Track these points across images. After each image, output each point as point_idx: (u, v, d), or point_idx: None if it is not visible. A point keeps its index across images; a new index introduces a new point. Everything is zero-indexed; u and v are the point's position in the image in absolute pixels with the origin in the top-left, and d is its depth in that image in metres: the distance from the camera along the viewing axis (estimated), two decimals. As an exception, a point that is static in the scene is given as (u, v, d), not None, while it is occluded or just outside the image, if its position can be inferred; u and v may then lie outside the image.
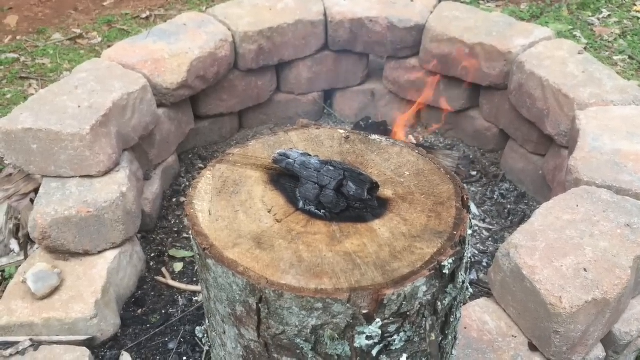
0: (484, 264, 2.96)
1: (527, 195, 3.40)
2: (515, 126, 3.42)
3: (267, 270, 0.95)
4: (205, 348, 2.50)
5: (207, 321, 1.21)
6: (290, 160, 1.12)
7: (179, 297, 2.80)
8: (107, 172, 2.72)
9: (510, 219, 3.24)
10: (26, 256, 2.88)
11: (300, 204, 1.10)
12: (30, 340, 2.38)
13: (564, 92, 2.97)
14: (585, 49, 4.42)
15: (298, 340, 0.95)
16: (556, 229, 2.19)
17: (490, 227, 3.19)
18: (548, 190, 3.19)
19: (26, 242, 2.90)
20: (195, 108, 3.64)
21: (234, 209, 1.09)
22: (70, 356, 2.31)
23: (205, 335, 1.23)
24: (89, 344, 2.44)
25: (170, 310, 2.73)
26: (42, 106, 2.75)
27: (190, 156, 3.74)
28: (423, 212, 1.06)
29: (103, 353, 2.50)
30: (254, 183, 1.16)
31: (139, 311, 2.72)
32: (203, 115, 3.71)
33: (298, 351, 0.97)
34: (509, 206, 3.34)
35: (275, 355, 0.99)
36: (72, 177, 2.69)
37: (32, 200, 2.97)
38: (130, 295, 2.78)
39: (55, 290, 2.47)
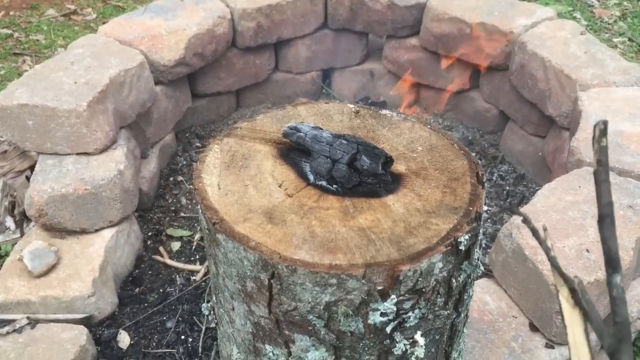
0: (483, 245, 2.95)
1: (526, 177, 3.39)
2: (516, 107, 3.39)
3: (279, 246, 0.93)
4: (204, 327, 2.49)
5: (214, 297, 1.19)
6: (301, 134, 1.09)
7: (177, 276, 2.78)
8: (104, 150, 2.69)
9: (509, 200, 3.23)
10: (22, 234, 2.85)
11: (312, 179, 1.08)
12: (27, 318, 2.36)
13: (566, 72, 2.94)
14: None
15: (310, 317, 0.93)
16: (558, 210, 2.18)
17: (489, 208, 3.18)
18: (548, 172, 3.18)
19: (22, 220, 2.87)
20: (192, 86, 3.59)
21: (243, 183, 1.06)
22: (67, 334, 2.30)
23: (212, 312, 1.21)
24: (86, 322, 2.43)
25: (168, 289, 2.71)
26: (38, 82, 2.71)
27: (187, 135, 3.70)
28: (437, 187, 1.04)
29: (100, 331, 2.48)
30: (263, 157, 1.13)
31: (137, 290, 2.70)
32: (200, 94, 3.66)
33: (310, 328, 0.95)
34: (507, 188, 3.33)
35: (287, 332, 0.97)
36: (69, 154, 2.65)
37: (28, 178, 2.93)
38: (128, 274, 2.76)
39: (52, 268, 2.45)
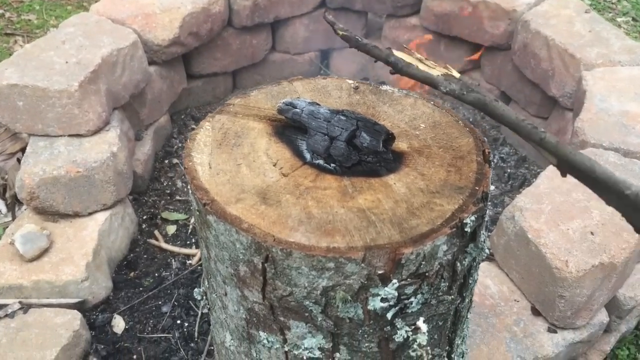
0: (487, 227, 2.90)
1: (527, 159, 3.33)
2: (518, 88, 3.33)
3: (273, 227, 0.88)
4: (200, 311, 2.44)
5: (206, 282, 1.13)
6: (297, 110, 1.03)
7: (172, 260, 2.73)
8: (96, 131, 2.63)
9: (510, 183, 3.18)
10: (14, 217, 2.79)
11: (308, 158, 1.02)
12: (20, 303, 2.31)
13: (570, 52, 2.88)
14: (588, 10, 4.30)
15: (307, 303, 0.88)
16: (562, 192, 2.13)
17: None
18: (550, 153, 3.11)
19: (14, 203, 2.82)
20: (187, 67, 3.51)
21: (236, 162, 1.00)
22: (61, 319, 2.26)
23: (204, 298, 1.16)
24: (80, 307, 2.38)
25: (164, 274, 2.66)
26: (28, 61, 2.64)
27: (182, 117, 3.63)
28: (442, 166, 0.98)
29: (95, 316, 2.44)
30: (257, 135, 1.07)
31: (132, 274, 2.65)
32: (196, 75, 3.59)
33: (306, 314, 0.89)
34: (509, 170, 3.27)
35: (282, 319, 0.92)
36: (60, 136, 2.59)
37: (19, 160, 2.87)
38: (122, 258, 2.71)
39: (44, 252, 2.40)
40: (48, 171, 2.44)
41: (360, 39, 0.95)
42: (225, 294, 1.01)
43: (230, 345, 1.06)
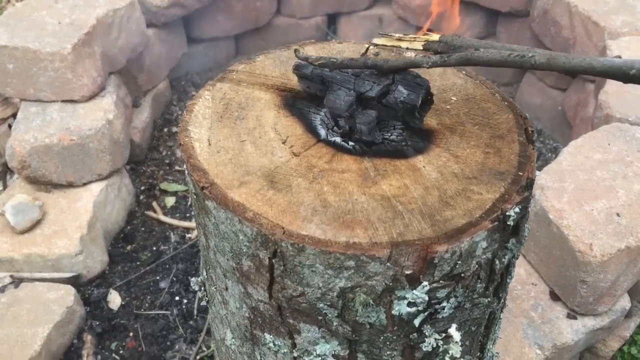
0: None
1: (543, 132, 3.19)
2: (535, 57, 3.16)
3: (283, 217, 0.75)
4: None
5: (204, 272, 1.01)
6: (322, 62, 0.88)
7: (171, 233, 2.61)
8: (91, 97, 2.49)
9: (525, 157, 3.04)
10: (5, 186, 2.67)
11: (323, 134, 0.88)
12: (11, 276, 2.21)
13: (593, 19, 2.70)
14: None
15: (321, 305, 0.75)
16: (586, 170, 1.99)
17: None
18: (568, 127, 2.97)
19: (5, 172, 2.69)
20: (188, 30, 3.35)
21: (239, 138, 0.87)
22: (54, 294, 2.16)
23: (202, 289, 1.03)
24: (74, 281, 2.28)
25: (162, 248, 2.55)
26: (19, 22, 2.48)
27: (182, 83, 3.47)
28: (478, 147, 0.85)
29: (90, 291, 2.34)
30: (263, 107, 0.93)
31: (128, 247, 2.54)
32: (197, 39, 3.42)
33: (320, 317, 0.77)
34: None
35: (291, 321, 0.80)
36: (53, 101, 2.45)
37: (10, 126, 2.73)
38: (119, 231, 2.60)
39: (36, 224, 2.29)
40: (40, 139, 2.31)
41: (335, 60, 0.87)
42: (226, 289, 0.88)
43: (231, 344, 0.94)
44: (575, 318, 1.91)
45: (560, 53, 0.79)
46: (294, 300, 0.77)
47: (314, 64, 0.91)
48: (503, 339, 1.85)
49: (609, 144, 2.10)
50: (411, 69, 0.86)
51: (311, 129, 0.89)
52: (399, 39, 0.93)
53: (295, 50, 0.94)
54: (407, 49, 0.93)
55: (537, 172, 0.81)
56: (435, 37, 0.90)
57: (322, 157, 0.84)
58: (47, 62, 2.36)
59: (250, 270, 0.80)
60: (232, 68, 1.02)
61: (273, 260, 0.75)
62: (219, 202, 0.77)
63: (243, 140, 0.87)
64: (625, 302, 1.99)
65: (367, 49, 0.98)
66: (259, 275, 0.79)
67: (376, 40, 0.93)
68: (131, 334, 2.22)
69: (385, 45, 0.98)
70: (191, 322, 2.26)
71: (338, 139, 0.87)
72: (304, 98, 0.95)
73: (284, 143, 0.86)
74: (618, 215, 1.85)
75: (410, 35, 0.95)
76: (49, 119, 2.38)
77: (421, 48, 0.90)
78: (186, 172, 0.84)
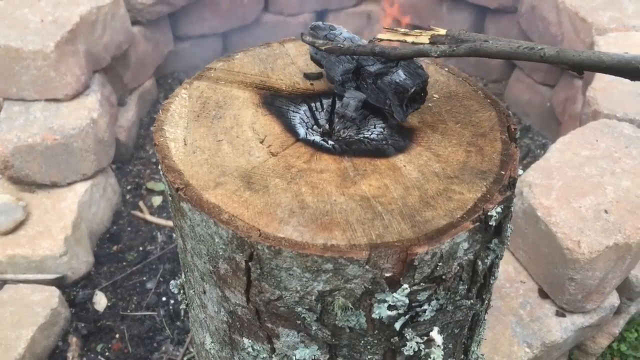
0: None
1: (532, 128, 3.18)
2: (523, 54, 3.15)
3: (259, 219, 0.72)
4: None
5: (183, 275, 0.99)
6: (335, 32, 0.87)
7: (158, 233, 2.58)
8: (75, 96, 2.45)
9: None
10: (-12, 187, 2.63)
11: (302, 133, 0.86)
12: (-6, 279, 2.18)
13: (581, 15, 2.70)
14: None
15: (299, 309, 0.73)
16: (574, 166, 1.98)
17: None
18: (556, 124, 2.97)
19: (-12, 172, 2.65)
20: (174, 28, 3.31)
21: (216, 137, 0.85)
22: (38, 296, 2.13)
23: (182, 292, 1.01)
24: (58, 283, 2.25)
25: (149, 247, 2.52)
26: (1, 20, 2.45)
27: (169, 81, 3.44)
28: (460, 145, 0.83)
29: (75, 292, 2.31)
30: (241, 105, 0.91)
31: (114, 248, 2.51)
32: (183, 36, 3.39)
33: (299, 322, 0.75)
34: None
35: (269, 325, 0.78)
36: (36, 100, 2.42)
37: (-7, 126, 2.69)
38: (105, 231, 2.57)
39: (20, 225, 2.26)
40: (23, 138, 2.28)
41: (342, 46, 0.85)
42: (204, 292, 0.86)
43: (210, 349, 0.92)
44: (564, 316, 1.90)
45: (569, 50, 0.78)
46: (271, 304, 0.75)
47: (320, 49, 0.90)
48: (491, 338, 1.84)
49: (596, 141, 2.09)
50: (416, 62, 0.85)
51: (290, 128, 0.87)
52: (405, 34, 0.92)
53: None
54: (413, 43, 0.91)
55: (520, 172, 0.79)
56: (442, 31, 0.89)
57: (301, 157, 0.82)
58: (30, 61, 2.32)
59: (227, 273, 0.77)
60: (210, 66, 1.00)
61: (249, 264, 0.73)
62: (194, 204, 0.75)
63: (220, 140, 0.85)
64: (614, 299, 1.98)
65: (370, 41, 0.96)
66: (235, 278, 0.77)
67: (380, 36, 0.91)
68: (117, 335, 2.19)
69: (391, 40, 0.96)
70: (178, 323, 2.23)
71: (317, 138, 0.85)
72: (283, 96, 0.93)
73: (261, 142, 0.84)
74: (606, 212, 1.84)
75: (416, 30, 0.94)
76: (32, 118, 2.35)
77: (427, 42, 0.88)
78: (161, 173, 0.81)
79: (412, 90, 0.80)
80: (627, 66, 0.73)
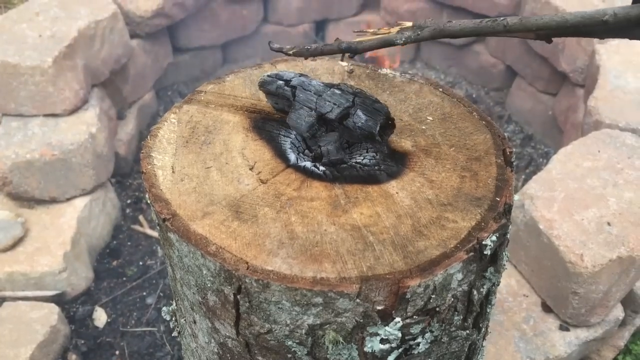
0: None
1: (534, 137, 3.16)
2: (525, 62, 3.13)
3: (247, 251, 0.71)
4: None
5: (174, 303, 0.97)
6: (283, 82, 0.85)
7: (158, 247, 2.57)
8: (74, 111, 2.45)
9: (515, 164, 3.01)
10: (-13, 203, 2.62)
11: (292, 159, 0.84)
12: (-8, 296, 2.16)
13: (582, 23, 2.67)
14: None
15: (290, 343, 0.71)
16: (576, 178, 1.96)
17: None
18: (558, 132, 2.94)
19: (-13, 188, 2.64)
20: (173, 40, 3.30)
21: (205, 164, 0.83)
22: (37, 313, 2.11)
23: (173, 319, 0.99)
24: (58, 299, 2.24)
25: (149, 262, 2.51)
26: (-2, 35, 2.45)
27: (169, 93, 3.43)
28: (454, 170, 0.81)
29: (75, 309, 2.29)
30: (231, 130, 0.90)
31: (114, 263, 2.50)
32: (182, 48, 3.38)
33: (290, 355, 0.73)
34: (514, 150, 3.09)
35: (260, 358, 0.76)
36: (35, 115, 2.41)
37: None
38: (104, 246, 2.55)
39: (19, 242, 2.25)
40: (21, 154, 2.27)
41: (309, 47, 0.86)
42: (195, 322, 0.84)
43: (202, 378, 0.90)
44: (567, 330, 1.87)
45: (529, 17, 0.77)
46: (261, 337, 0.73)
47: (289, 54, 0.89)
48: (494, 353, 1.81)
49: (599, 151, 2.07)
50: (370, 96, 0.84)
51: (280, 153, 0.85)
52: (374, 33, 0.93)
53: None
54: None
55: (514, 193, 0.77)
56: (407, 23, 0.90)
57: (291, 184, 0.80)
58: (28, 76, 2.32)
59: (216, 305, 0.76)
60: (200, 89, 0.98)
61: (238, 297, 0.71)
62: (181, 235, 0.73)
63: (209, 167, 0.83)
64: (618, 312, 1.96)
65: (343, 56, 0.95)
66: (224, 310, 0.75)
67: (356, 40, 0.92)
68: (117, 352, 2.17)
69: (353, 41, 0.96)
70: (179, 339, 2.21)
71: (308, 164, 0.83)
72: (274, 120, 0.91)
73: (251, 169, 0.82)
74: (609, 224, 1.82)
75: (385, 28, 0.94)
76: (31, 133, 2.34)
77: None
78: (149, 201, 0.80)
79: (377, 129, 0.79)
80: (592, 21, 0.72)
